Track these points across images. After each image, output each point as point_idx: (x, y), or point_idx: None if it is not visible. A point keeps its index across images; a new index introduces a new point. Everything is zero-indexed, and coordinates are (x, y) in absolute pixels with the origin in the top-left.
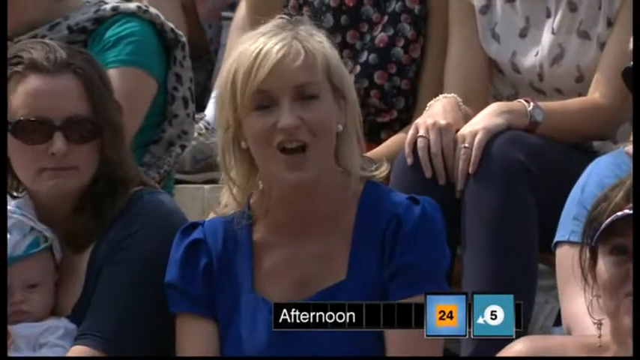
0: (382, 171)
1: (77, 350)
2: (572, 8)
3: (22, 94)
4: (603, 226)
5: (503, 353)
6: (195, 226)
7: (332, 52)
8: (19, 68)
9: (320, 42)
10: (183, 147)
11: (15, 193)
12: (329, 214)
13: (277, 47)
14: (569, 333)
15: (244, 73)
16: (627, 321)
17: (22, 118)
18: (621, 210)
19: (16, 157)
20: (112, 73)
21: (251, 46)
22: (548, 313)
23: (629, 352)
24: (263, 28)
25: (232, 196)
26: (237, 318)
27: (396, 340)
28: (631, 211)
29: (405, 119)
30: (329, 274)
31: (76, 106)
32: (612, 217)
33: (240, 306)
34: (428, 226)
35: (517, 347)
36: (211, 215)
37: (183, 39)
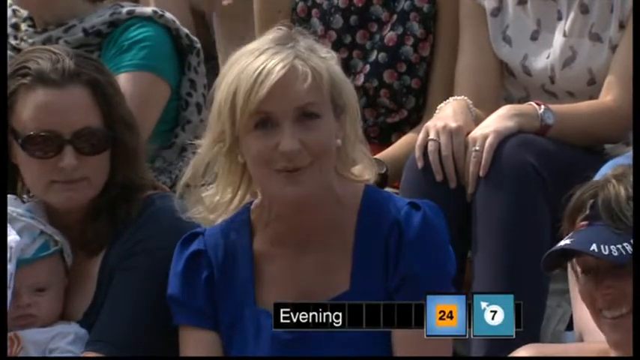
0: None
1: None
2: (584, 11)
3: (30, 108)
4: (545, 258)
5: None
6: (195, 236)
7: (335, 68)
8: (26, 80)
9: (323, 57)
10: (195, 153)
11: (25, 196)
12: (329, 224)
13: (279, 67)
14: (580, 337)
15: (245, 92)
16: (610, 336)
17: (31, 133)
18: (568, 233)
19: (26, 169)
20: (126, 78)
21: (251, 64)
22: (560, 317)
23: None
24: (261, 44)
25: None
26: (240, 331)
27: (403, 341)
28: (564, 247)
29: (415, 119)
30: (331, 285)
31: (86, 118)
32: (551, 251)
33: (243, 319)
34: (429, 232)
35: (521, 353)
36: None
37: (198, 45)
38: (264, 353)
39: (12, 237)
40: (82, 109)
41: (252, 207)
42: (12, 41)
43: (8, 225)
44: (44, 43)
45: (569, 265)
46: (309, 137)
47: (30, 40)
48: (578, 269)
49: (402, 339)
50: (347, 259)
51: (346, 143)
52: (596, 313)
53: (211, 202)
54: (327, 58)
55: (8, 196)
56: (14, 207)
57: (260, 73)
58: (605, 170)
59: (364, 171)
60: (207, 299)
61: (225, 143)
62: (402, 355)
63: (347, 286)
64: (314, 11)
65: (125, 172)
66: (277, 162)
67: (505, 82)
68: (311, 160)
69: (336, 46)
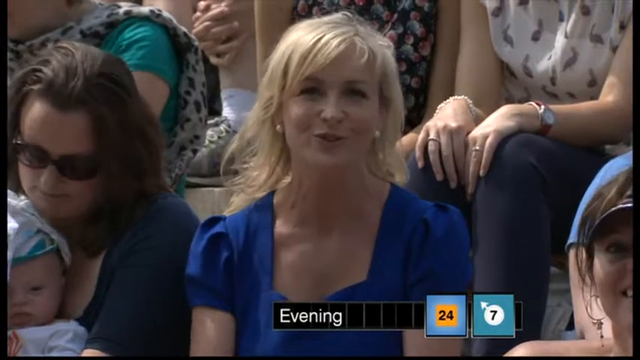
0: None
1: (89, 354)
2: (585, 12)
3: (31, 118)
4: (597, 221)
5: None
6: (216, 220)
7: (390, 58)
8: (36, 87)
9: (382, 44)
10: (194, 151)
11: (23, 197)
12: (354, 212)
13: (338, 40)
14: (582, 337)
15: (301, 57)
16: (627, 318)
17: (20, 142)
18: (614, 206)
19: (19, 167)
20: None
21: (310, 33)
22: (560, 317)
23: (630, 352)
24: (323, 19)
25: (255, 179)
26: (255, 314)
27: (411, 341)
28: (624, 206)
29: (415, 118)
30: (349, 273)
31: (77, 145)
32: (606, 212)
33: (259, 303)
34: (456, 234)
35: (518, 352)
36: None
37: (196, 43)
38: (277, 337)
39: (10, 224)
40: (76, 135)
41: (276, 191)
42: (10, 42)
43: (8, 215)
44: (43, 44)
45: (570, 263)
46: (352, 110)
47: (27, 43)
48: (600, 252)
49: (411, 338)
50: (368, 249)
51: (384, 140)
52: (617, 297)
53: (250, 176)
54: (384, 46)
55: (9, 191)
56: (16, 201)
57: (319, 40)
58: (606, 171)
59: (396, 173)
60: (225, 281)
61: (270, 109)
62: (412, 355)
63: (364, 276)
64: (315, 9)
65: (124, 189)
66: (317, 128)
67: (506, 83)
68: (350, 133)
69: None
